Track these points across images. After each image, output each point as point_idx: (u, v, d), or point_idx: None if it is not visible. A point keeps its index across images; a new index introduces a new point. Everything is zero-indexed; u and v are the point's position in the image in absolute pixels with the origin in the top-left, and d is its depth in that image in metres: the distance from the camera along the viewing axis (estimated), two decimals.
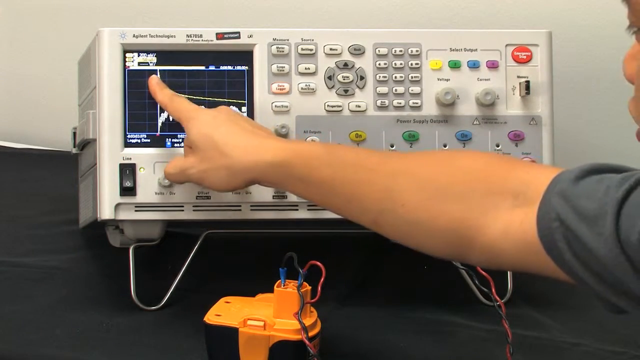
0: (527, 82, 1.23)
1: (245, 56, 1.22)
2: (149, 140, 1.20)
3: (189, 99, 1.20)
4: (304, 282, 1.05)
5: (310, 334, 1.04)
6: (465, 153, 1.00)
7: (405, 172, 0.98)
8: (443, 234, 0.95)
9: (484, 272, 1.08)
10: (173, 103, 1.16)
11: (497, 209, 0.91)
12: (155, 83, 1.18)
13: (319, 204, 1.06)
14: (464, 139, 1.23)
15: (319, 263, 1.04)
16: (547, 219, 0.85)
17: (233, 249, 1.39)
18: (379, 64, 1.23)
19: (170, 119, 1.20)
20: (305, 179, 1.03)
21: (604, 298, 0.84)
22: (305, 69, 1.22)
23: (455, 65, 1.23)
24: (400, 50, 1.23)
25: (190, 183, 1.16)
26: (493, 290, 1.08)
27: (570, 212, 0.83)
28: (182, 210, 1.20)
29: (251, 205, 1.20)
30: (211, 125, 1.09)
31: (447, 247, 0.96)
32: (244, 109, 1.21)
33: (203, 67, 1.21)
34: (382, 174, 0.99)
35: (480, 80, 1.24)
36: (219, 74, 1.22)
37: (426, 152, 1.08)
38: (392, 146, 1.22)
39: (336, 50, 1.23)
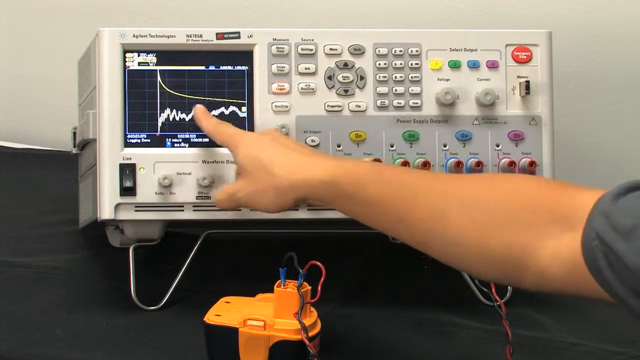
0: (527, 82, 1.23)
1: (245, 56, 1.22)
2: (149, 140, 1.20)
3: (189, 99, 1.20)
4: (304, 282, 1.05)
5: (310, 334, 1.04)
6: (515, 177, 0.99)
7: (454, 194, 0.97)
8: (494, 259, 0.94)
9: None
10: (218, 129, 1.16)
11: (547, 234, 0.91)
12: (200, 112, 1.18)
13: (368, 223, 1.04)
14: (464, 139, 1.23)
15: (319, 263, 1.04)
16: (588, 239, 0.85)
17: (233, 249, 1.39)
18: (379, 64, 1.23)
19: (170, 118, 1.20)
20: (353, 197, 1.02)
21: None
22: (305, 69, 1.22)
23: (455, 65, 1.24)
24: (400, 50, 1.23)
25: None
26: (493, 290, 1.08)
27: (608, 229, 0.83)
28: (182, 210, 1.20)
29: None
30: (257, 147, 1.10)
31: (498, 272, 0.95)
32: (244, 109, 1.21)
33: (203, 67, 1.21)
34: (431, 196, 0.98)
35: (480, 80, 1.24)
36: (219, 74, 1.22)
37: (475, 174, 1.07)
38: (392, 146, 1.22)
39: (336, 50, 1.23)
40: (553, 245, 0.90)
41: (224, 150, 1.19)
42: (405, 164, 1.20)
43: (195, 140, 1.21)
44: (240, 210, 1.19)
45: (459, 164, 1.22)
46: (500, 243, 0.93)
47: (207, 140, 1.20)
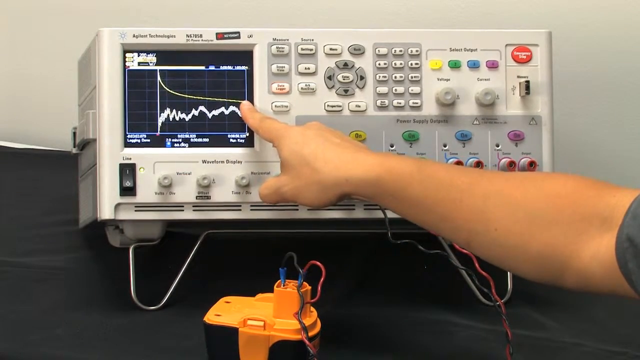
0: (527, 82, 1.23)
1: (245, 56, 1.22)
2: (149, 140, 1.20)
3: (188, 99, 1.20)
4: (304, 282, 1.05)
5: (310, 334, 1.04)
6: (555, 176, 1.00)
7: (497, 194, 0.98)
8: (536, 260, 0.95)
9: (484, 272, 1.08)
10: (263, 125, 1.16)
11: (588, 235, 0.91)
12: (246, 109, 1.19)
13: (413, 220, 1.05)
14: (464, 138, 1.23)
15: (319, 263, 1.04)
16: (621, 240, 0.85)
17: (233, 249, 1.39)
18: (379, 64, 1.23)
19: (170, 118, 1.20)
20: (397, 195, 1.03)
21: None
22: (305, 69, 1.22)
23: (455, 65, 1.23)
24: (400, 50, 1.23)
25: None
26: (493, 290, 1.08)
27: (638, 230, 0.83)
28: (182, 210, 1.20)
29: (251, 205, 1.20)
30: (300, 143, 1.10)
31: (540, 272, 0.96)
32: None
33: (203, 67, 1.21)
34: (474, 195, 0.99)
35: (480, 80, 1.24)
36: (219, 74, 1.22)
37: (517, 173, 1.08)
38: (392, 146, 1.22)
39: (336, 50, 1.23)
40: (593, 246, 0.90)
41: (224, 150, 1.19)
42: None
43: (195, 140, 1.21)
44: (240, 210, 1.19)
45: (459, 164, 1.22)
46: (542, 244, 0.94)
47: (207, 140, 1.20)
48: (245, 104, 1.20)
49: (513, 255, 0.96)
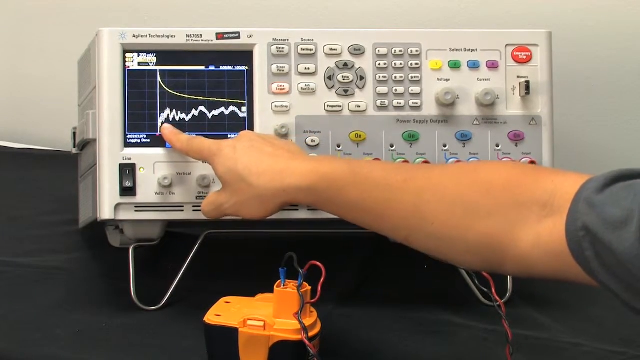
0: (527, 82, 1.23)
1: (245, 56, 1.22)
2: (148, 140, 1.20)
3: (189, 99, 1.20)
4: (304, 282, 1.05)
5: (310, 334, 1.04)
6: (489, 165, 1.00)
7: (431, 189, 0.98)
8: (475, 250, 0.95)
9: (484, 272, 1.08)
10: (192, 146, 1.16)
11: (526, 221, 0.91)
12: (168, 132, 1.18)
13: (352, 222, 1.06)
14: (464, 139, 1.23)
15: (319, 263, 1.04)
16: (574, 228, 0.85)
17: (233, 249, 1.39)
18: (379, 64, 1.23)
19: (170, 119, 1.20)
20: (334, 200, 1.04)
21: (631, 306, 0.85)
22: (305, 69, 1.22)
23: (455, 65, 1.24)
24: (400, 50, 1.23)
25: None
26: (493, 290, 1.08)
27: (596, 219, 0.83)
28: (182, 210, 1.20)
29: None
30: (233, 158, 1.10)
31: (480, 261, 0.97)
32: (244, 109, 1.21)
33: (203, 67, 1.21)
34: (409, 193, 0.99)
35: (480, 80, 1.24)
36: (219, 74, 1.22)
37: (450, 166, 1.08)
38: (392, 146, 1.22)
39: (336, 50, 1.23)
40: (533, 232, 0.91)
41: None
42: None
43: None
44: None
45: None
46: (479, 234, 0.94)
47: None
48: (166, 127, 1.18)
49: (452, 248, 0.97)
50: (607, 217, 0.82)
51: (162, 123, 1.20)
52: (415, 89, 1.23)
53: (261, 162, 1.08)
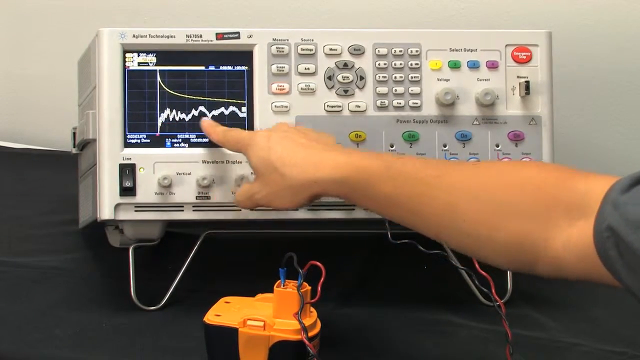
0: (527, 82, 1.23)
1: (245, 56, 1.22)
2: (148, 141, 1.20)
3: (188, 99, 1.20)
4: (304, 282, 1.05)
5: (310, 334, 1.04)
6: (523, 164, 1.00)
7: (463, 186, 0.98)
8: (506, 249, 0.95)
9: (484, 272, 1.08)
10: (227, 137, 1.16)
11: (557, 223, 0.91)
12: (207, 124, 1.19)
13: (384, 216, 1.06)
14: (464, 139, 1.23)
15: (319, 263, 1.04)
16: (600, 229, 0.85)
17: (233, 249, 1.39)
18: (379, 64, 1.23)
19: (170, 119, 1.20)
20: (366, 193, 1.04)
21: None
22: (305, 69, 1.22)
23: (455, 66, 1.23)
24: (400, 51, 1.23)
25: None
26: (493, 290, 1.08)
27: (619, 220, 0.83)
28: (182, 210, 1.20)
29: None
30: (266, 148, 1.10)
31: (511, 261, 0.96)
32: (244, 109, 1.21)
33: (203, 67, 1.21)
34: (441, 189, 0.99)
35: (480, 80, 1.24)
36: (219, 74, 1.22)
37: (484, 163, 1.07)
38: (392, 146, 1.22)
39: (336, 50, 1.23)
40: (565, 234, 0.90)
41: (223, 150, 1.19)
42: None
43: (195, 140, 1.21)
44: (240, 210, 1.19)
45: None
46: (509, 234, 0.94)
47: (206, 140, 1.20)
48: (205, 120, 1.19)
49: (483, 246, 0.96)
50: (629, 217, 0.82)
51: (162, 123, 1.20)
52: (415, 89, 1.23)
53: (294, 153, 1.08)
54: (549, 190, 0.93)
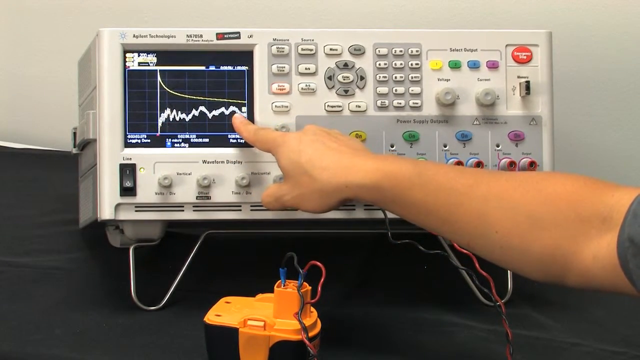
0: (527, 82, 1.23)
1: (245, 56, 1.22)
2: (149, 141, 1.20)
3: (189, 99, 1.20)
4: (304, 282, 1.05)
5: (310, 334, 1.04)
6: (555, 176, 1.00)
7: (496, 197, 0.98)
8: (538, 261, 0.95)
9: (484, 272, 1.08)
10: (258, 136, 1.16)
11: (588, 235, 0.91)
12: (239, 122, 1.19)
13: (414, 222, 1.05)
14: (464, 139, 1.23)
15: (319, 263, 1.04)
16: (622, 239, 0.86)
17: (233, 249, 1.39)
18: (379, 64, 1.23)
19: (170, 119, 1.20)
20: (397, 200, 1.03)
21: None
22: (305, 69, 1.22)
23: (455, 66, 1.24)
24: (400, 51, 1.23)
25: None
26: (493, 290, 1.08)
27: (638, 230, 0.83)
28: (182, 210, 1.20)
29: (251, 205, 1.20)
30: (297, 151, 1.09)
31: (543, 273, 0.96)
32: (244, 109, 1.21)
33: (203, 67, 1.21)
34: (474, 199, 0.99)
35: (480, 80, 1.24)
36: (219, 74, 1.22)
37: (516, 174, 1.06)
38: (392, 146, 1.22)
39: (336, 50, 1.23)
40: (594, 246, 0.91)
41: (223, 151, 1.19)
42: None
43: (195, 140, 1.21)
44: (240, 210, 1.19)
45: (459, 164, 1.22)
46: (543, 246, 0.94)
47: (207, 140, 1.20)
48: (237, 117, 1.19)
49: (515, 257, 0.97)
50: None
51: (162, 123, 1.20)
52: (416, 89, 1.23)
53: (325, 156, 1.08)
54: (580, 202, 0.93)
